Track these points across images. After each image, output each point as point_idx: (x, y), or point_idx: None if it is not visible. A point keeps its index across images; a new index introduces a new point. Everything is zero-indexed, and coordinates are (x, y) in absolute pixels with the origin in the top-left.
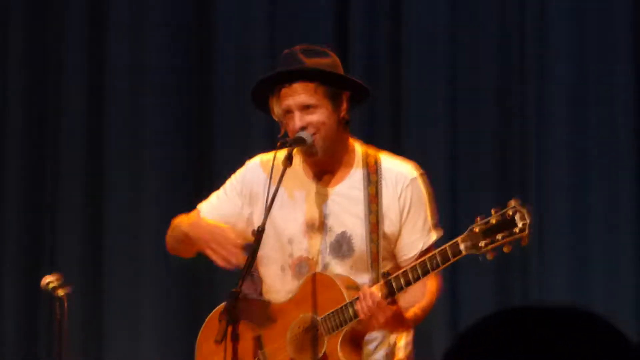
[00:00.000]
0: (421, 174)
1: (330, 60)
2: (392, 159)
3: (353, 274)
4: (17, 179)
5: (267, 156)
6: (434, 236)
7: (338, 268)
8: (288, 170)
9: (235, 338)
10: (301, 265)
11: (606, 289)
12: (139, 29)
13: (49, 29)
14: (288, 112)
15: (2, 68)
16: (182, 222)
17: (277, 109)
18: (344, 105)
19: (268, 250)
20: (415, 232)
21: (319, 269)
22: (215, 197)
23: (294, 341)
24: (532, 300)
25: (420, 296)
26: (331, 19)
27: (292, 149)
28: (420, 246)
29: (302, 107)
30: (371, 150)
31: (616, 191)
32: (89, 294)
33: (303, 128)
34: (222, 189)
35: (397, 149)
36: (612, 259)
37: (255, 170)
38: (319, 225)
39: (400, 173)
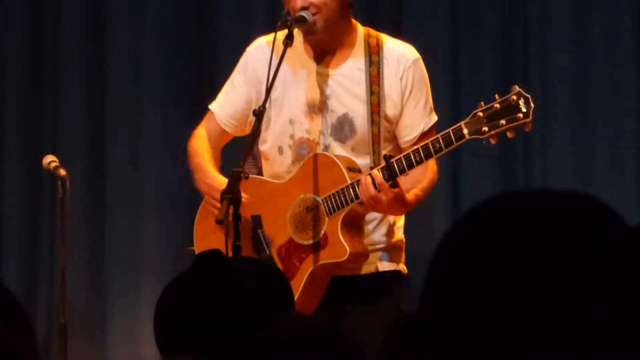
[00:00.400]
0: (420, 57)
1: None
2: (393, 40)
3: (354, 156)
4: (18, 70)
5: (268, 37)
6: (434, 118)
7: (339, 150)
8: (289, 51)
9: (237, 218)
10: (302, 147)
11: (609, 175)
12: None
13: None
14: None
15: None
16: (194, 151)
17: None
18: None
19: (270, 131)
20: (416, 113)
21: (319, 150)
22: (224, 95)
23: (294, 220)
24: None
25: (421, 178)
26: None
27: (293, 28)
28: (421, 127)
29: None
30: (373, 32)
31: (617, 80)
32: (90, 172)
33: (304, 7)
34: (229, 82)
35: (398, 34)
36: (614, 148)
37: (257, 52)
38: (320, 106)
39: (402, 54)
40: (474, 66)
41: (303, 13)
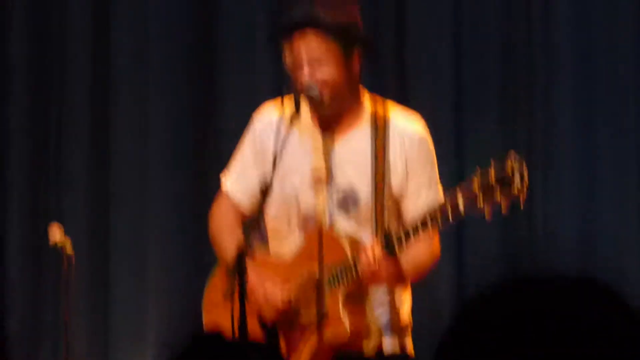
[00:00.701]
0: (427, 134)
1: (347, 14)
2: (400, 114)
3: (358, 228)
4: (21, 137)
5: (273, 110)
6: (438, 194)
7: (344, 223)
8: (296, 124)
9: (243, 294)
10: (307, 219)
11: (614, 227)
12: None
13: None
14: (298, 64)
15: None
16: (222, 237)
17: (288, 57)
18: (356, 61)
19: (275, 205)
20: (420, 188)
21: (325, 223)
22: (235, 173)
23: (297, 296)
24: (538, 253)
25: (421, 252)
26: None
27: (299, 103)
28: (424, 203)
29: (313, 60)
30: (379, 103)
31: (621, 132)
32: (94, 244)
33: (311, 84)
34: (239, 158)
35: (403, 98)
36: (619, 197)
37: (264, 124)
38: (325, 179)
39: (408, 129)
40: (477, 125)
41: (310, 88)
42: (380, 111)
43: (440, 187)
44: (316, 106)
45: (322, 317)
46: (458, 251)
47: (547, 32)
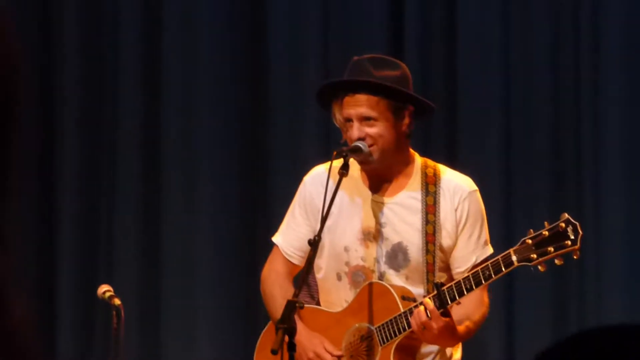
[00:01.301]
0: (477, 191)
1: (399, 73)
2: (451, 171)
3: (409, 285)
4: (71, 190)
5: (324, 165)
6: (488, 251)
7: (394, 278)
8: (346, 179)
9: (292, 348)
10: (357, 274)
11: None
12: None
13: None
14: (348, 120)
15: None
16: (274, 294)
17: (338, 116)
18: (406, 120)
19: (325, 259)
20: (470, 244)
21: (375, 278)
22: (286, 227)
23: (348, 350)
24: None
25: (473, 310)
26: (385, 21)
27: (349, 158)
28: (473, 259)
29: (363, 118)
30: (430, 162)
31: None
32: (145, 302)
33: (361, 139)
34: (289, 213)
35: (452, 162)
36: None
37: (315, 182)
38: (375, 234)
39: (458, 185)
40: (527, 193)
41: (359, 143)
42: (430, 171)
43: (489, 244)
44: (365, 161)
45: None
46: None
47: (595, 100)
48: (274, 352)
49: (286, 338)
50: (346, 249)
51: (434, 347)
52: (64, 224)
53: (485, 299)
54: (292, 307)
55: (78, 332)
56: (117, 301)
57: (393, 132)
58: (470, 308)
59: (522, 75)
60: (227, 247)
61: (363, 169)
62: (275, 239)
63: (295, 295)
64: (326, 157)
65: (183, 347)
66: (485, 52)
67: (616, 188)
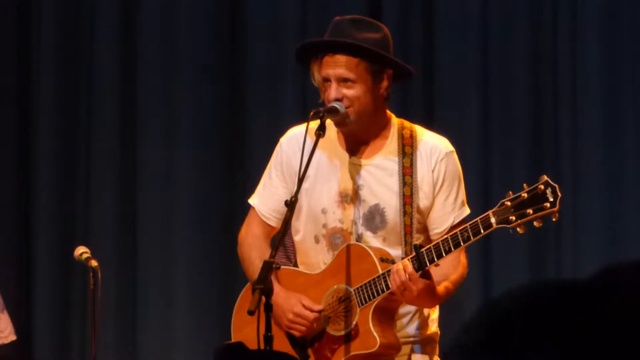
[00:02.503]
0: (454, 152)
1: (380, 36)
2: (428, 133)
3: (386, 246)
4: (49, 152)
5: (300, 127)
6: (465, 212)
7: (372, 240)
8: (323, 140)
9: (269, 308)
10: (335, 236)
11: None
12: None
13: None
14: (326, 80)
15: None
16: (250, 262)
17: (317, 75)
18: (385, 83)
19: (302, 221)
20: (447, 205)
21: (352, 240)
22: (263, 189)
23: (326, 311)
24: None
25: (452, 271)
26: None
27: (325, 119)
28: (451, 220)
29: (341, 79)
30: (407, 124)
31: None
32: (121, 264)
33: (338, 99)
34: (266, 175)
35: (430, 123)
36: None
37: (291, 143)
38: (352, 196)
39: (435, 146)
40: (505, 156)
41: (335, 104)
42: (407, 133)
43: (466, 205)
44: (342, 123)
45: (350, 329)
46: (485, 263)
47: (574, 59)
48: (250, 312)
49: (263, 298)
50: (324, 211)
51: (411, 308)
52: (41, 185)
53: (463, 259)
54: (268, 267)
55: (55, 295)
56: (93, 262)
57: (370, 95)
58: (448, 269)
59: (500, 38)
60: (204, 207)
61: (340, 131)
62: (252, 200)
63: (272, 256)
64: (304, 119)
65: (160, 309)
66: (464, 17)
67: (594, 152)
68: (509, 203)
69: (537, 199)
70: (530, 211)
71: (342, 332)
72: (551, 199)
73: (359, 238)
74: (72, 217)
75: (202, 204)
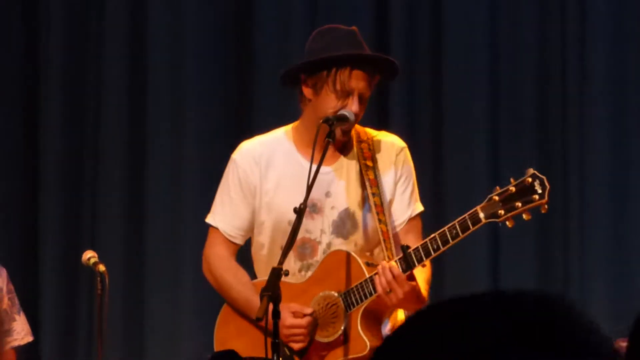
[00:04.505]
0: (407, 147)
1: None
2: (381, 133)
3: (358, 252)
4: (56, 160)
5: (250, 142)
6: (420, 207)
7: (342, 247)
8: (281, 153)
9: (277, 315)
10: (303, 247)
11: None
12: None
13: None
14: (348, 93)
15: None
16: (227, 281)
17: (343, 81)
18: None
19: (267, 235)
20: (404, 198)
21: (321, 249)
22: (224, 209)
23: (315, 316)
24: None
25: (428, 272)
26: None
27: (335, 127)
28: (409, 212)
29: (361, 94)
30: (362, 134)
31: None
32: (129, 269)
33: (356, 113)
34: (223, 194)
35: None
36: None
37: (246, 162)
38: (319, 205)
39: (391, 142)
40: (513, 157)
41: (345, 112)
42: (365, 146)
43: (417, 197)
44: (346, 130)
45: (338, 334)
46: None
47: (581, 57)
48: (258, 319)
49: (270, 306)
50: (290, 223)
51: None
52: (49, 189)
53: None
54: (277, 274)
55: (62, 299)
56: (101, 267)
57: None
58: (428, 271)
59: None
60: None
61: (297, 139)
62: (212, 221)
63: (280, 262)
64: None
65: (168, 314)
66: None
67: (600, 151)
68: (496, 197)
69: (525, 191)
70: (519, 204)
71: (331, 339)
72: (540, 191)
73: (328, 247)
74: (80, 221)
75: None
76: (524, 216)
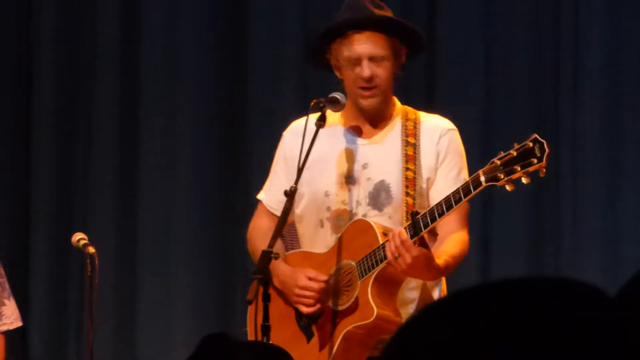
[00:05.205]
0: (456, 129)
1: (392, 14)
2: (431, 115)
3: (391, 225)
4: (48, 139)
5: (301, 120)
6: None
7: (377, 219)
8: (327, 129)
9: (267, 298)
10: (339, 219)
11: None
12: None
13: None
14: (357, 59)
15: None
16: (258, 246)
17: (345, 52)
18: (402, 60)
19: (304, 208)
20: (449, 179)
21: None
22: (269, 183)
23: (329, 288)
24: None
25: (452, 245)
26: None
27: (326, 109)
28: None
29: (371, 57)
30: (411, 113)
31: None
32: (121, 251)
33: (370, 78)
34: (272, 170)
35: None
36: None
37: (293, 135)
38: (356, 176)
39: (438, 123)
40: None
41: (336, 94)
42: (411, 124)
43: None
44: (339, 107)
45: (350, 302)
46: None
47: (575, 40)
48: (248, 302)
49: (261, 288)
50: (327, 194)
51: (414, 295)
52: (40, 172)
53: (466, 237)
54: (267, 257)
55: (53, 282)
56: (91, 249)
57: (392, 73)
58: (449, 244)
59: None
60: (204, 195)
61: (348, 112)
62: (260, 196)
63: (270, 246)
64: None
65: (159, 296)
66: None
67: (594, 130)
68: (498, 161)
69: (525, 155)
70: (517, 167)
71: (344, 306)
72: (538, 155)
73: (364, 218)
74: (71, 203)
75: (202, 191)
76: (524, 180)
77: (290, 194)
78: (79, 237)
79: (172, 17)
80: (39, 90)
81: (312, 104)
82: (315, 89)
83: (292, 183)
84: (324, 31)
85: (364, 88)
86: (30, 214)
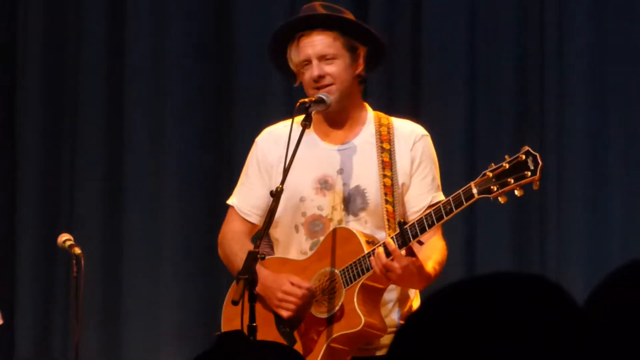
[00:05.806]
0: (429, 135)
1: (349, 15)
2: (403, 121)
3: (368, 230)
4: (34, 140)
5: (273, 127)
6: (441, 196)
7: (353, 224)
8: (296, 131)
9: (253, 299)
10: (314, 224)
11: (625, 234)
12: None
13: None
14: (306, 61)
15: None
16: (232, 255)
17: (295, 57)
18: (360, 61)
19: (280, 213)
20: (424, 185)
21: (332, 226)
22: (241, 187)
23: (312, 295)
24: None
25: (433, 250)
26: None
27: (311, 110)
28: (428, 199)
29: (321, 56)
30: (383, 118)
31: (635, 136)
32: (107, 252)
33: (320, 76)
34: (243, 175)
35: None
36: (630, 206)
37: (265, 142)
38: (331, 182)
39: (412, 129)
40: (490, 135)
41: (322, 95)
42: (384, 130)
43: (441, 190)
44: (325, 107)
45: (335, 310)
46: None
47: (559, 40)
48: (234, 302)
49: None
50: (302, 199)
51: (394, 295)
52: (26, 171)
53: (444, 242)
54: (253, 258)
55: (39, 282)
56: (77, 250)
57: (350, 72)
58: (431, 251)
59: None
60: (191, 194)
61: (317, 114)
62: (231, 201)
63: (256, 246)
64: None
65: (146, 297)
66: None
67: (579, 126)
68: (490, 173)
69: (518, 168)
70: (511, 180)
71: (329, 314)
72: (532, 168)
73: (339, 224)
74: (57, 204)
75: (188, 191)
76: (517, 192)
77: (276, 195)
78: (65, 238)
79: (160, 17)
80: (24, 93)
81: (298, 104)
82: (303, 91)
83: (264, 187)
84: (271, 38)
85: (317, 88)
86: (16, 214)
